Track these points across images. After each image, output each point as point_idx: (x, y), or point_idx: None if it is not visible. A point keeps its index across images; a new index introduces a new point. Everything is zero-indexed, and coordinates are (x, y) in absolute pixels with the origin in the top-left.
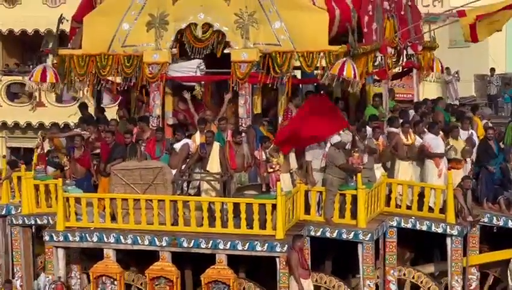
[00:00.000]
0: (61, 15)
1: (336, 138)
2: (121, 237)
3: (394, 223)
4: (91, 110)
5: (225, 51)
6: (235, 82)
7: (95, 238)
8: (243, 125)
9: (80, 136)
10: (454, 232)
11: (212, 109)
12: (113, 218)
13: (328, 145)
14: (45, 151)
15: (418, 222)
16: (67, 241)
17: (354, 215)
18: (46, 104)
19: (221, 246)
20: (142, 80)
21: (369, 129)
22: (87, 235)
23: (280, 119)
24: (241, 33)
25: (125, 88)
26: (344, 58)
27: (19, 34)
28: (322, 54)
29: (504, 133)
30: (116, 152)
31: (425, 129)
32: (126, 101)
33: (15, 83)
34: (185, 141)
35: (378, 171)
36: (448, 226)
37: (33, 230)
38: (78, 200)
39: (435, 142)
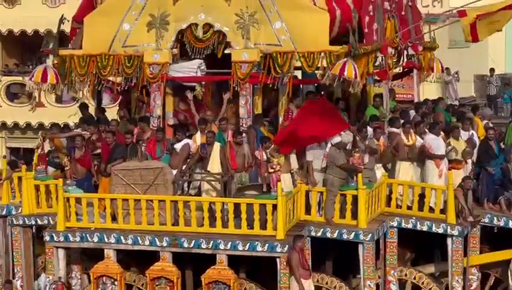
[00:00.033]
0: (62, 15)
1: (336, 138)
2: (122, 238)
3: (395, 224)
4: (91, 110)
5: (226, 51)
6: (235, 82)
7: (95, 239)
8: (244, 125)
9: (80, 137)
10: (455, 232)
11: (212, 109)
12: (114, 218)
13: (329, 145)
14: (45, 151)
15: (418, 222)
16: (68, 242)
17: (354, 215)
18: (46, 104)
19: (221, 247)
20: (143, 80)
21: (370, 129)
22: (87, 235)
23: (281, 119)
24: (242, 33)
25: (126, 88)
26: (345, 59)
27: (19, 35)
28: (322, 54)
29: (504, 133)
30: (117, 152)
31: (426, 130)
32: (126, 101)
33: (14, 83)
34: (185, 141)
35: (379, 171)
36: (448, 227)
37: (33, 230)
38: (78, 201)
39: (435, 142)
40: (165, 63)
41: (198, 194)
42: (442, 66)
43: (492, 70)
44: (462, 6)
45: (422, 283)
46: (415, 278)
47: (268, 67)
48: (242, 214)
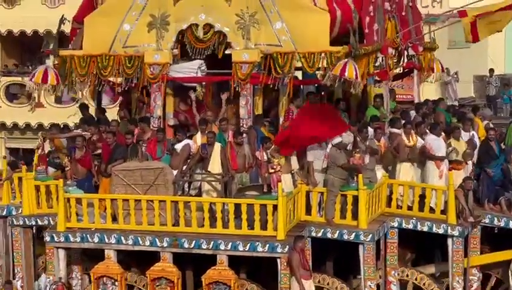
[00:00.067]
0: (63, 16)
1: (337, 139)
2: (122, 238)
3: (395, 224)
4: (92, 111)
5: (226, 52)
6: (236, 83)
7: (96, 239)
8: (244, 126)
9: (81, 137)
10: (455, 233)
11: (213, 109)
12: (114, 219)
13: (329, 146)
14: (46, 152)
15: (419, 223)
16: (68, 242)
17: (355, 216)
18: (45, 104)
19: (222, 247)
20: (143, 80)
21: (370, 130)
22: (88, 235)
23: (281, 120)
24: (242, 34)
25: (126, 89)
26: (346, 59)
27: (18, 35)
28: (323, 54)
29: (505, 134)
30: (117, 153)
31: (427, 130)
32: (127, 102)
33: (14, 84)
34: (186, 141)
35: (379, 172)
36: (449, 227)
37: (34, 231)
38: (79, 201)
39: (436, 143)
40: (165, 64)
41: (199, 194)
42: (442, 66)
43: (491, 70)
44: (462, 7)
45: (424, 284)
46: (416, 279)
47: (269, 67)
48: (242, 215)
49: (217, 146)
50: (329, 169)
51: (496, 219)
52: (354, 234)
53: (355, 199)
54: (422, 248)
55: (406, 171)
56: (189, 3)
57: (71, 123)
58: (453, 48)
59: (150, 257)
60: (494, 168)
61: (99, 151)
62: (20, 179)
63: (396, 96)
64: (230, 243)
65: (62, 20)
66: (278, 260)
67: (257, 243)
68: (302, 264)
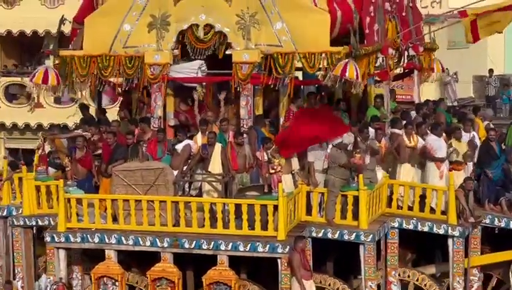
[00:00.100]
0: (63, 16)
1: (337, 139)
2: (123, 238)
3: (396, 224)
4: (92, 111)
5: (226, 52)
6: (236, 83)
7: (96, 239)
8: (245, 126)
9: (82, 137)
10: (456, 233)
11: (213, 110)
12: (115, 219)
13: (330, 146)
14: (46, 152)
15: (419, 223)
16: (69, 242)
17: (355, 216)
18: (45, 105)
19: (222, 247)
20: (144, 81)
21: (371, 130)
22: (88, 236)
23: (281, 120)
24: (243, 34)
25: (126, 89)
26: (346, 60)
27: (18, 35)
28: (323, 55)
29: (505, 134)
30: (118, 153)
31: (428, 131)
32: (127, 102)
33: (13, 84)
34: (186, 141)
35: (380, 172)
36: (449, 227)
37: (34, 231)
38: (79, 201)
39: (437, 143)
40: (165, 64)
41: (199, 194)
42: (442, 67)
43: (491, 71)
44: (462, 7)
45: (425, 285)
46: (418, 280)
47: (269, 68)
48: (243, 215)
49: (218, 146)
50: (330, 169)
51: (496, 219)
52: (354, 234)
53: (356, 200)
54: (423, 248)
55: (407, 172)
56: (189, 4)
57: (70, 123)
58: (452, 49)
59: (150, 257)
60: (494, 169)
61: (99, 151)
62: (20, 179)
63: (396, 96)
64: (230, 244)
65: (62, 21)
66: (279, 261)
67: (258, 243)
68: (303, 265)
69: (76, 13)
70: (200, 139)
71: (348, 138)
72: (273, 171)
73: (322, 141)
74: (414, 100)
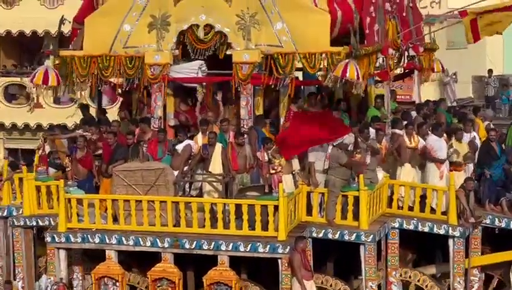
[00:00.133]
0: (63, 16)
1: (338, 139)
2: (123, 238)
3: (396, 225)
4: (92, 111)
5: (227, 52)
6: (237, 83)
7: (96, 240)
8: (245, 126)
9: (82, 137)
10: (457, 233)
11: (213, 110)
12: (115, 219)
13: (330, 146)
14: (46, 152)
15: (420, 224)
16: (69, 243)
17: (356, 216)
18: (44, 105)
19: (223, 248)
20: (144, 81)
21: (372, 130)
22: (89, 236)
23: (282, 120)
24: (243, 34)
25: (127, 89)
26: (347, 60)
27: (17, 36)
28: (323, 55)
29: (505, 134)
30: (118, 153)
31: (429, 131)
32: (127, 102)
33: (13, 84)
34: (187, 142)
35: (380, 172)
36: (450, 228)
37: (35, 231)
38: (79, 201)
39: (438, 144)
40: (165, 64)
41: (200, 195)
42: (442, 67)
43: (490, 71)
44: (462, 8)
45: (426, 285)
46: (419, 281)
47: (270, 68)
48: (243, 215)
49: (218, 147)
50: (330, 170)
51: (496, 219)
52: (355, 234)
53: (356, 200)
54: (423, 248)
55: (407, 172)
56: (189, 4)
57: (70, 124)
58: (451, 49)
59: (151, 257)
60: (495, 169)
61: (100, 151)
62: (20, 179)
63: (396, 96)
64: (231, 244)
65: (62, 21)
66: (279, 261)
67: (258, 243)
68: (303, 265)
69: (77, 13)
70: (200, 139)
71: (348, 138)
72: (273, 171)
73: (323, 142)
74: (414, 100)
